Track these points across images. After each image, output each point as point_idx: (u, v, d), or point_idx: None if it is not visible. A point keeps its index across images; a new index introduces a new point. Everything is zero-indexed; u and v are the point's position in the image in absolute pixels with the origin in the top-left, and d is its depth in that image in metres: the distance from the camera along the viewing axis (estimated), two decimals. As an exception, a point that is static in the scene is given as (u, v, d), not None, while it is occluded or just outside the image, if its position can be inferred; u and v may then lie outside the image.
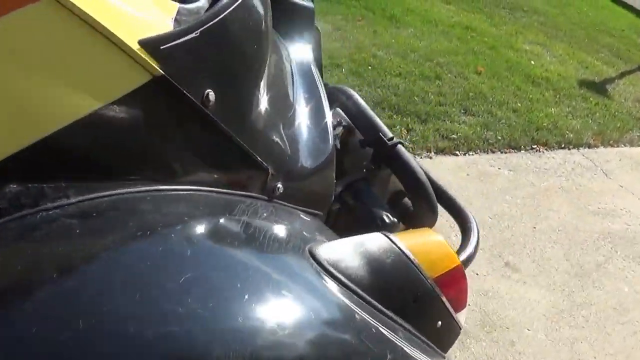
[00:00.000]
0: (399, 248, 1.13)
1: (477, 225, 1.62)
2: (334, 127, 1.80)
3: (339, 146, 1.79)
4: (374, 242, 1.13)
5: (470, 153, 4.35)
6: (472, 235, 1.60)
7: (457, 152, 4.31)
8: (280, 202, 1.29)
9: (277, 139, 1.34)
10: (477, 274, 3.09)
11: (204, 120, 1.05)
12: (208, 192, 1.09)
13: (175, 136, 1.04)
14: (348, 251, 1.08)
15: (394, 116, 4.55)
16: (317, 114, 1.53)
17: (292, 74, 1.63)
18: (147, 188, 0.98)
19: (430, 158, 4.16)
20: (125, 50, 0.90)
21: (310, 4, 1.85)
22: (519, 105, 5.22)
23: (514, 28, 7.48)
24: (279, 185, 1.29)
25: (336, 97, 1.77)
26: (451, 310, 1.19)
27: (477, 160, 4.26)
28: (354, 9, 6.95)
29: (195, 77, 1.03)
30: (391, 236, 1.14)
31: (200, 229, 0.94)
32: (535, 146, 4.65)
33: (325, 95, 1.62)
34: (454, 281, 1.21)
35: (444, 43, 6.34)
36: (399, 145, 1.63)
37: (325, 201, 1.50)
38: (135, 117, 0.96)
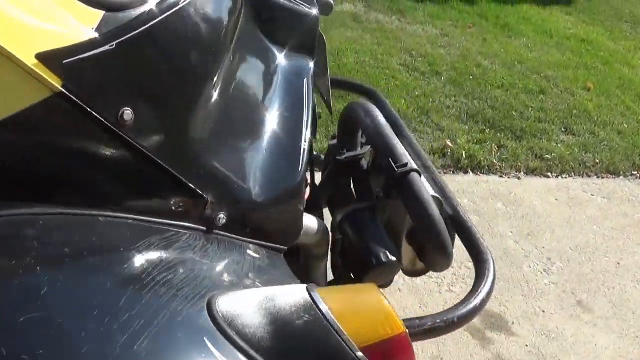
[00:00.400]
0: (317, 307, 0.94)
1: (494, 267, 1.46)
2: (362, 145, 1.75)
3: (365, 167, 1.73)
4: (289, 297, 0.96)
5: (564, 176, 4.14)
6: (486, 279, 1.43)
7: (549, 174, 4.11)
8: (224, 234, 1.20)
9: (220, 165, 1.23)
10: (543, 312, 2.93)
11: (117, 141, 0.98)
12: (117, 217, 1.00)
13: (84, 157, 0.98)
14: (252, 305, 0.93)
15: (487, 131, 4.40)
16: (291, 138, 1.43)
17: (273, 91, 1.54)
18: (33, 211, 0.92)
19: (519, 178, 3.98)
20: (19, 65, 0.84)
21: (313, 12, 1.76)
22: (626, 126, 4.91)
23: (633, 44, 7.06)
24: (222, 215, 1.19)
25: (356, 113, 1.66)
26: None
27: (570, 185, 4.05)
28: (467, 15, 6.77)
29: (107, 94, 0.96)
30: (316, 291, 0.97)
31: (72, 261, 0.87)
32: (635, 172, 4.36)
33: (312, 115, 1.52)
34: (395, 353, 0.99)
35: (555, 55, 6.07)
36: (412, 174, 1.50)
37: (290, 236, 1.37)
38: (33, 136, 0.91)
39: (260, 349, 0.88)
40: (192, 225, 1.13)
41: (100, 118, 0.94)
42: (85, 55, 0.91)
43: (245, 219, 1.24)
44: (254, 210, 1.26)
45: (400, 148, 1.56)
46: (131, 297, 0.85)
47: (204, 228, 1.16)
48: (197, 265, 1.01)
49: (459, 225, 1.55)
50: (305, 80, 1.61)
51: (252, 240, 1.24)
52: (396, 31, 6.27)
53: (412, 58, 5.57)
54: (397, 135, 1.96)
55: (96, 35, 0.93)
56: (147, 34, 1.00)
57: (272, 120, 1.44)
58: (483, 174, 3.97)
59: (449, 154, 4.08)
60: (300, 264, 1.69)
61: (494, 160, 4.05)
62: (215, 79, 1.23)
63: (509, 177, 3.95)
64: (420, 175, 1.51)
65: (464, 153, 4.07)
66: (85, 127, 0.94)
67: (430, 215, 1.43)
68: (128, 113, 0.97)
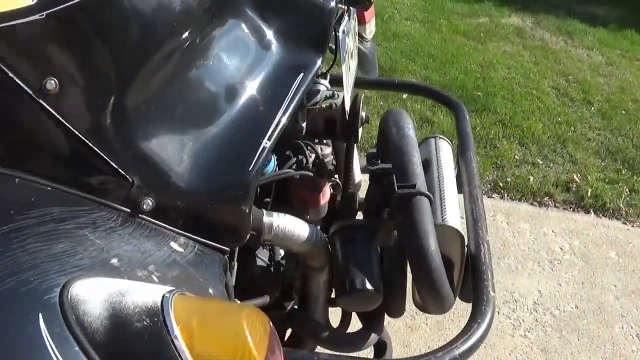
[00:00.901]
0: (162, 314, 0.86)
1: (487, 324, 1.26)
2: None
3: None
4: (140, 296, 0.89)
5: (698, 237, 3.73)
6: (480, 322, 1.26)
7: (681, 232, 3.72)
8: (150, 220, 1.15)
9: (152, 148, 1.17)
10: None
11: (38, 109, 0.99)
12: (35, 182, 1.02)
13: (8, 119, 0.99)
14: (102, 294, 0.87)
15: (623, 171, 4.05)
16: (250, 133, 1.32)
17: (248, 82, 1.42)
18: None
19: (646, 229, 3.64)
20: None
21: (330, 4, 1.63)
22: None
23: None
24: (148, 200, 1.15)
25: (386, 121, 1.59)
26: None
27: None
28: (638, 47, 6.29)
29: (33, 62, 0.97)
30: (173, 298, 0.88)
31: None
32: None
33: (288, 117, 1.38)
34: None
35: None
36: (416, 198, 1.36)
37: (232, 236, 1.27)
38: None
39: (93, 340, 0.83)
40: (116, 205, 1.11)
41: (22, 84, 0.95)
42: (16, 22, 0.93)
43: (176, 208, 1.19)
44: (186, 201, 1.20)
45: (414, 167, 1.45)
46: None
47: (128, 210, 1.13)
48: (86, 243, 0.97)
49: (475, 267, 1.40)
50: (301, 76, 1.49)
51: (184, 232, 1.18)
52: (558, 52, 5.94)
53: (567, 83, 5.25)
54: (460, 154, 1.83)
55: (32, 3, 0.95)
56: (80, 6, 0.99)
57: (234, 112, 1.35)
58: (605, 217, 3.66)
59: (573, 189, 3.81)
60: (300, 274, 1.63)
61: (621, 205, 3.73)
62: (162, 60, 1.19)
63: (632, 226, 3.62)
64: (430, 202, 1.38)
65: (590, 191, 3.78)
66: (9, 91, 0.96)
67: (422, 247, 1.30)
68: (52, 83, 0.98)
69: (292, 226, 1.47)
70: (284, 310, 1.67)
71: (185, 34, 1.25)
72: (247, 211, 1.25)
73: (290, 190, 1.81)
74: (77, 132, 1.04)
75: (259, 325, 0.90)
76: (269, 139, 1.31)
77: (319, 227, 1.64)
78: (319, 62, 1.55)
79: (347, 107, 1.72)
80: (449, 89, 4.92)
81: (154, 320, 0.85)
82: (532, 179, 3.87)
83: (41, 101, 0.98)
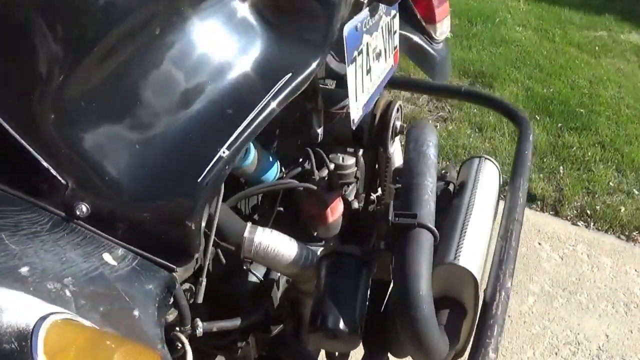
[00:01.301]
0: (31, 339, 0.80)
1: None
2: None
3: None
4: (17, 315, 0.83)
5: None
6: None
7: None
8: (87, 226, 1.06)
9: (93, 149, 1.07)
10: None
11: None
12: None
13: None
14: None
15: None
16: (208, 142, 1.18)
17: (215, 81, 1.25)
18: None
19: None
20: None
21: None
22: None
23: None
24: (83, 206, 1.06)
25: (408, 132, 1.53)
26: None
27: None
28: None
29: None
30: (48, 323, 0.82)
31: None
32: None
33: (258, 125, 1.23)
34: None
35: None
36: (414, 231, 1.22)
37: (177, 254, 1.16)
38: None
39: None
40: (50, 208, 1.04)
41: None
42: None
43: (115, 216, 1.10)
44: (125, 209, 1.11)
45: (421, 193, 1.32)
46: None
47: (62, 214, 1.06)
48: None
49: (482, 319, 1.25)
50: (286, 78, 1.30)
51: (124, 244, 1.09)
52: (679, 76, 5.50)
53: (683, 111, 4.85)
54: (510, 179, 1.65)
55: None
56: None
57: (192, 115, 1.20)
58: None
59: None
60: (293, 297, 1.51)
61: None
62: (108, 50, 1.10)
63: None
64: (435, 237, 1.25)
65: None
66: None
67: (409, 290, 1.17)
68: None
69: (276, 244, 1.39)
70: (269, 333, 1.55)
71: (141, 23, 1.15)
72: (193, 227, 1.14)
73: (297, 203, 1.69)
74: (6, 126, 0.98)
75: None
76: (228, 148, 1.17)
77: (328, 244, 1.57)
78: (314, 63, 1.34)
79: (354, 115, 1.51)
80: (551, 103, 4.66)
81: (22, 344, 0.80)
82: (623, 209, 3.57)
83: None
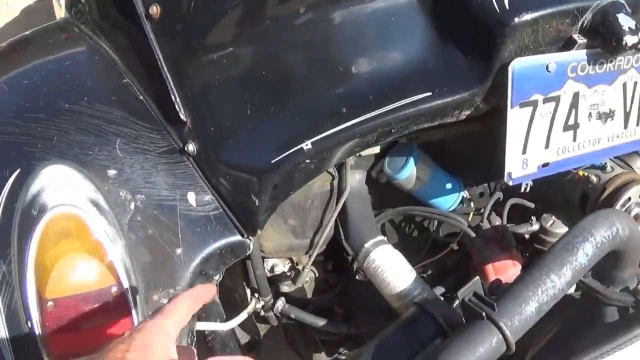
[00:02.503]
0: (40, 213, 1.11)
1: None
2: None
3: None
4: (48, 195, 1.15)
5: None
6: None
7: None
8: (192, 163, 1.28)
9: (213, 99, 1.26)
10: None
11: (139, 31, 1.28)
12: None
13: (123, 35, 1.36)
14: (41, 182, 1.15)
15: None
16: (300, 130, 1.21)
17: (350, 73, 1.22)
18: None
19: None
20: None
21: (506, 18, 1.14)
22: None
23: None
24: (192, 145, 1.27)
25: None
26: None
27: None
28: None
29: None
30: (59, 213, 1.12)
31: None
32: None
33: (358, 134, 1.18)
34: None
35: None
36: (481, 324, 1.10)
37: (246, 224, 1.26)
38: None
39: None
40: (174, 136, 1.31)
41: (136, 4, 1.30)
42: None
43: (211, 165, 1.27)
44: (219, 162, 1.27)
45: (527, 291, 1.11)
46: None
47: (178, 145, 1.30)
48: (106, 145, 1.25)
49: None
50: (417, 98, 1.18)
51: (214, 193, 1.28)
52: None
53: None
54: None
55: None
56: None
57: (301, 98, 1.25)
58: None
59: None
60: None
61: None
62: (256, 22, 1.27)
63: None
64: (508, 348, 1.08)
65: None
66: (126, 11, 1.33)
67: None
68: (153, 9, 1.27)
69: (389, 269, 1.36)
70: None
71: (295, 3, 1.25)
72: (257, 203, 1.22)
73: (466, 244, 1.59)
74: (161, 57, 1.28)
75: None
76: (313, 144, 1.18)
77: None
78: (461, 93, 1.18)
79: (510, 168, 1.25)
80: None
81: (37, 216, 1.12)
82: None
83: (146, 24, 1.27)
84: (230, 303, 1.55)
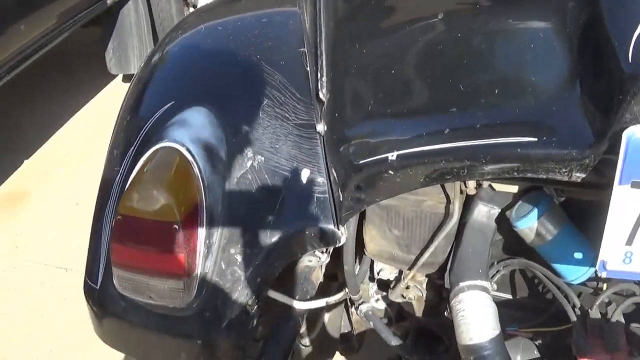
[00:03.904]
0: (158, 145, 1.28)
1: None
2: None
3: None
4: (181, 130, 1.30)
5: None
6: None
7: None
8: (319, 142, 1.31)
9: (353, 91, 1.33)
10: None
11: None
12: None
13: None
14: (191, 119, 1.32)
15: None
16: (391, 140, 1.20)
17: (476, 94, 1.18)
18: None
19: None
20: None
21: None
22: None
23: None
24: (320, 126, 1.30)
25: None
26: None
27: None
28: None
29: None
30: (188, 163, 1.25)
31: None
32: None
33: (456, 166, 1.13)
34: None
35: None
36: None
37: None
38: None
39: None
40: (316, 114, 1.35)
41: None
42: None
43: (329, 148, 1.30)
44: (333, 148, 1.30)
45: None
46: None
47: (314, 122, 1.34)
48: (260, 103, 1.34)
49: None
50: (525, 141, 1.08)
51: (331, 176, 1.29)
52: None
53: None
54: None
55: None
56: None
57: (415, 117, 1.24)
58: None
59: None
60: None
61: None
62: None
63: None
64: None
65: None
66: None
67: None
68: None
69: (472, 319, 1.29)
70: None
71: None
72: (340, 198, 1.26)
73: None
74: (323, 36, 1.40)
75: None
76: (399, 157, 1.16)
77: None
78: (563, 150, 1.05)
79: (603, 256, 1.09)
80: None
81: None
82: None
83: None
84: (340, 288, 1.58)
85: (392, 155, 1.16)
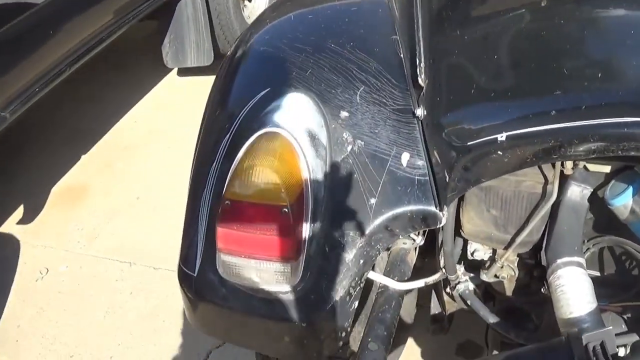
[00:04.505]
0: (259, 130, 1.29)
1: None
2: None
3: None
4: (288, 118, 1.31)
5: None
6: None
7: None
8: (418, 127, 1.33)
9: (457, 77, 1.36)
10: None
11: None
12: None
13: None
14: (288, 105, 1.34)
15: None
16: (502, 121, 1.24)
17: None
18: None
19: None
20: None
21: None
22: None
23: None
24: (420, 110, 1.32)
25: None
26: None
27: None
28: None
29: None
30: (291, 148, 1.26)
31: None
32: None
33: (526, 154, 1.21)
34: None
35: None
36: None
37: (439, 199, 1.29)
38: None
39: None
40: (408, 98, 1.37)
41: None
42: None
43: (430, 132, 1.33)
44: (434, 131, 1.32)
45: None
46: None
47: (411, 107, 1.35)
48: (351, 87, 1.37)
49: None
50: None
51: (428, 161, 1.32)
52: None
53: None
54: None
55: None
56: None
57: (522, 98, 1.29)
58: None
59: None
60: None
61: None
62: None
63: None
64: None
65: None
66: None
67: None
68: None
69: (570, 293, 1.31)
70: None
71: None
72: (446, 179, 1.29)
73: None
74: (420, 24, 1.39)
75: None
76: (508, 137, 1.22)
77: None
78: None
79: None
80: None
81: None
82: None
83: None
84: (430, 270, 1.60)
85: (502, 136, 1.20)
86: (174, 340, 2.61)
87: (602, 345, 1.09)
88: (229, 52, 1.65)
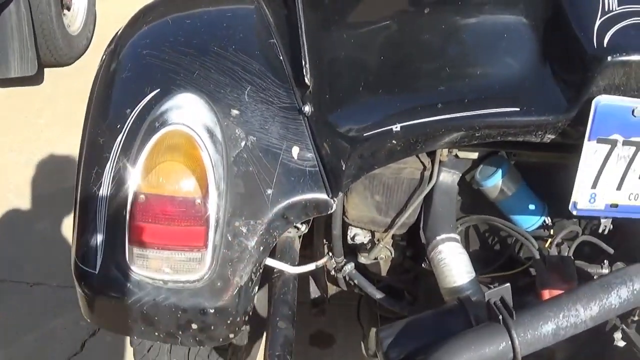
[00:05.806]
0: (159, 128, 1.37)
1: None
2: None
3: None
4: (177, 114, 1.39)
5: None
6: None
7: None
8: (306, 123, 1.44)
9: (335, 75, 1.46)
10: None
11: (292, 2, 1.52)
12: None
13: None
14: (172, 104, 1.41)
15: None
16: (397, 112, 1.36)
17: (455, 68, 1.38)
18: None
19: None
20: None
21: (594, 51, 1.23)
22: None
23: None
24: (307, 107, 1.42)
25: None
26: None
27: None
28: None
29: None
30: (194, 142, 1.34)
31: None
32: None
33: (441, 137, 1.33)
34: None
35: None
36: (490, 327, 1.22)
37: (333, 187, 1.40)
38: None
39: None
40: (297, 97, 1.47)
41: None
42: None
43: (320, 128, 1.44)
44: (323, 126, 1.43)
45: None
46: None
47: (298, 106, 1.46)
48: (237, 88, 1.45)
49: None
50: (509, 110, 1.29)
51: (317, 154, 1.43)
52: None
53: None
54: None
55: None
56: None
57: (406, 78, 1.44)
58: None
59: None
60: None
61: None
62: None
63: None
64: (512, 350, 1.17)
65: None
66: None
67: None
68: None
69: (451, 266, 1.46)
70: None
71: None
72: (343, 167, 1.38)
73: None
74: (303, 27, 1.48)
75: None
76: (402, 128, 1.33)
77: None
78: (542, 117, 1.28)
79: (575, 197, 1.30)
80: None
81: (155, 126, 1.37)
82: None
83: None
84: (309, 256, 1.75)
85: (396, 127, 1.33)
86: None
87: (502, 299, 1.23)
88: (103, 56, 1.66)
